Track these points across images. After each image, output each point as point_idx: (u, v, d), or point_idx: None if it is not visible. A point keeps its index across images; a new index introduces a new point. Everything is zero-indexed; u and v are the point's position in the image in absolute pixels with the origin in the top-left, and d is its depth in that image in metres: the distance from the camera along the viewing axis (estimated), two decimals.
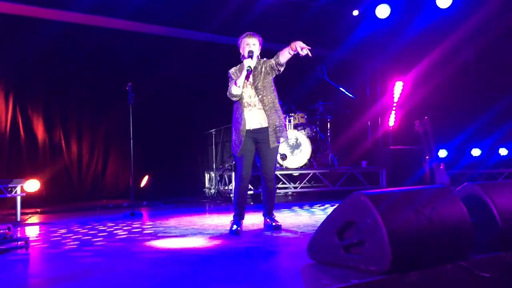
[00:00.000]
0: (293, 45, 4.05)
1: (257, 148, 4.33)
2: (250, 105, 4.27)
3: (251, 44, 4.25)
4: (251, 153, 4.30)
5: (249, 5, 8.23)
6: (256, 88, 4.24)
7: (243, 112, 4.27)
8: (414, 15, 8.82)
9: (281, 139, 4.28)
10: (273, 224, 4.38)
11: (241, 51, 4.34)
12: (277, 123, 4.25)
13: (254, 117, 4.26)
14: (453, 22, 8.44)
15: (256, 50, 4.28)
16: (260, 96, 4.24)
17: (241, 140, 4.24)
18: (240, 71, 4.27)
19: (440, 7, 8.38)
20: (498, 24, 8.05)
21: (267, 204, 4.44)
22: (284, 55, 4.16)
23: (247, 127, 4.26)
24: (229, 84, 4.29)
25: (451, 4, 8.27)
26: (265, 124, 4.26)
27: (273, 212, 4.50)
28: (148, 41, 8.50)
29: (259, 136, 4.27)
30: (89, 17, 7.73)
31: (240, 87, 4.18)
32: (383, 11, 9.00)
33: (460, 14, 8.33)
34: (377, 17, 9.10)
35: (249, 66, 4.15)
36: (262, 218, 4.56)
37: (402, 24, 9.03)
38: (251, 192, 7.29)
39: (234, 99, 4.27)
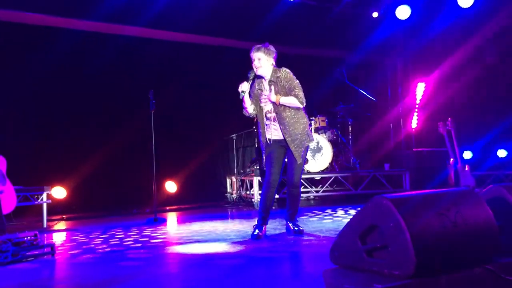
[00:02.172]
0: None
1: (286, 154, 4.34)
2: (270, 119, 4.30)
3: (256, 59, 4.25)
4: (279, 160, 4.30)
5: (268, 9, 8.25)
6: (274, 104, 4.24)
7: (262, 126, 4.34)
8: (435, 15, 8.70)
9: (306, 144, 4.30)
10: (296, 229, 4.38)
11: None
12: (299, 137, 4.24)
13: (273, 130, 4.30)
14: (475, 22, 8.30)
15: (264, 64, 4.24)
16: (276, 112, 4.24)
17: (265, 149, 4.32)
18: (259, 84, 4.36)
19: (462, 7, 8.25)
20: None
21: (291, 209, 4.43)
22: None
23: (271, 137, 4.29)
24: None
25: (473, 4, 8.14)
26: (288, 138, 4.24)
27: (296, 217, 4.50)
28: (167, 47, 8.58)
29: (284, 144, 4.29)
30: (108, 25, 7.85)
31: (247, 107, 4.32)
32: (403, 12, 8.90)
33: (482, 14, 8.18)
34: (397, 18, 9.01)
35: (243, 91, 4.22)
36: (285, 222, 4.55)
37: (423, 25, 8.92)
38: (276, 196, 7.28)
39: (248, 116, 4.42)
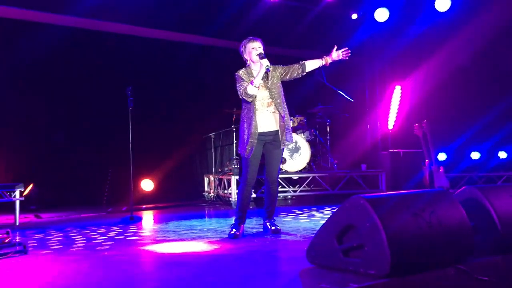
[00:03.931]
0: (328, 60, 4.34)
1: (264, 151, 4.32)
2: (262, 107, 4.25)
3: (256, 47, 4.25)
4: (258, 158, 4.29)
5: (248, 9, 8.24)
6: (269, 91, 4.25)
7: (254, 114, 4.21)
8: (412, 18, 8.84)
9: (287, 142, 4.30)
10: (273, 228, 4.38)
11: (245, 56, 4.34)
12: (286, 126, 4.28)
13: (265, 119, 4.24)
14: (452, 26, 8.46)
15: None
16: (273, 99, 4.25)
17: (254, 143, 4.19)
18: (249, 74, 4.25)
19: (439, 11, 8.39)
20: (496, 28, 8.07)
21: (269, 207, 4.44)
22: (313, 66, 4.37)
23: (259, 130, 4.21)
24: (240, 85, 4.21)
25: (450, 8, 8.29)
26: (275, 127, 4.26)
27: (274, 216, 4.50)
28: (147, 45, 8.51)
29: (267, 138, 4.27)
30: (88, 21, 7.73)
31: (257, 86, 4.13)
32: (382, 14, 9.01)
33: (458, 18, 8.34)
34: (376, 21, 9.11)
35: (268, 65, 4.14)
36: (262, 221, 4.55)
37: (401, 28, 9.04)
38: (254, 195, 7.27)
39: (250, 99, 4.18)
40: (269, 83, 4.25)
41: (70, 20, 7.55)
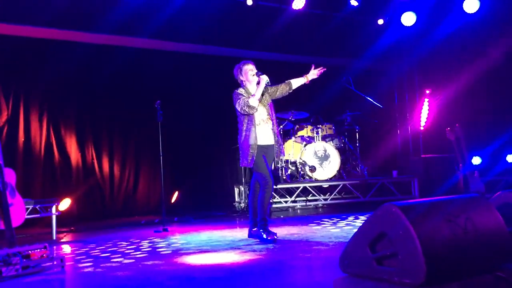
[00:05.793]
0: (308, 78, 4.90)
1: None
2: (260, 122, 4.63)
3: (252, 69, 4.70)
4: (263, 161, 4.63)
5: (273, 18, 8.28)
6: (265, 107, 4.68)
7: (255, 128, 4.58)
8: (440, 21, 8.70)
9: (281, 156, 4.81)
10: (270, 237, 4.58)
11: (241, 77, 4.74)
12: (279, 141, 4.73)
13: (264, 133, 4.63)
14: (481, 27, 8.29)
15: None
16: (269, 115, 4.69)
17: (255, 154, 4.54)
18: (247, 92, 4.65)
19: (467, 12, 8.24)
20: None
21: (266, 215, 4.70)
22: (298, 84, 4.90)
23: (259, 143, 4.58)
24: (240, 99, 4.56)
25: (479, 9, 8.13)
26: (272, 141, 4.67)
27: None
28: (174, 58, 8.64)
29: (267, 151, 4.65)
30: (115, 37, 7.92)
31: (258, 99, 4.54)
32: (408, 18, 8.91)
33: (487, 19, 8.17)
34: (403, 25, 9.02)
35: (267, 80, 4.57)
36: (287, 231, 4.86)
37: (429, 31, 8.91)
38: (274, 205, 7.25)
39: (251, 111, 4.53)
40: (265, 101, 4.69)
41: (97, 37, 7.76)
